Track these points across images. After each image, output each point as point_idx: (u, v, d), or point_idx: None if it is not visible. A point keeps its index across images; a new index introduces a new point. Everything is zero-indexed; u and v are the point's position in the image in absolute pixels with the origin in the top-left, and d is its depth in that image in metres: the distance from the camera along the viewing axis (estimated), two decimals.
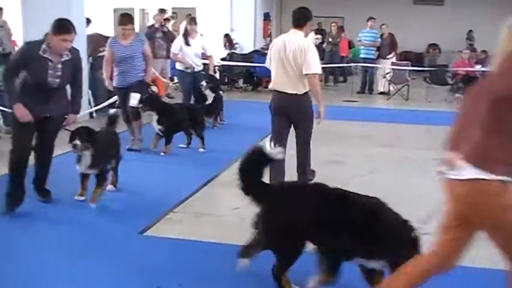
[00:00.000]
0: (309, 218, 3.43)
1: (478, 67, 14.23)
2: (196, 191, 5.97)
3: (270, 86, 5.92)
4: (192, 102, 9.31)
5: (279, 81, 5.73)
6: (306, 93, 5.71)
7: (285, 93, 5.66)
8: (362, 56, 14.59)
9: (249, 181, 3.55)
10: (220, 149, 7.82)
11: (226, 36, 16.33)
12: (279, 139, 5.46)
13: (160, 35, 12.15)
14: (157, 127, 7.53)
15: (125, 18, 7.44)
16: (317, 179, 5.89)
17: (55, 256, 4.26)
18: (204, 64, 9.80)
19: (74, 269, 4.03)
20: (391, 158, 7.66)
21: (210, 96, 9.08)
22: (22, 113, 4.94)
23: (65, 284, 3.83)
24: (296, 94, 5.65)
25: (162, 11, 13.58)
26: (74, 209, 5.29)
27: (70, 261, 4.15)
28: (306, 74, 5.55)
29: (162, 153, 7.49)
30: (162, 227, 4.96)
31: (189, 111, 7.94)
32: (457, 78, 14.12)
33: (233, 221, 5.07)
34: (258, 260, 3.73)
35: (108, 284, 3.84)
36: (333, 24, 16.50)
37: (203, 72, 9.65)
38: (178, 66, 9.58)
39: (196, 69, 9.36)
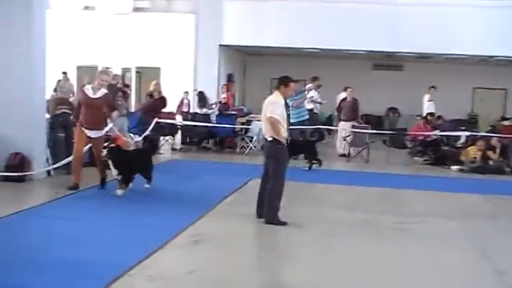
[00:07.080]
0: None
1: (436, 131, 14.56)
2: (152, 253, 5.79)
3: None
4: None
5: None
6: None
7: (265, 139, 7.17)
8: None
9: None
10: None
11: (200, 93, 16.33)
12: (264, 174, 7.14)
13: (120, 94, 12.24)
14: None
15: None
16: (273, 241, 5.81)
17: None
18: None
19: None
20: (349, 221, 7.60)
21: None
22: None
23: None
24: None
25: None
26: None
27: None
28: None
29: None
30: None
31: None
32: (415, 141, 14.42)
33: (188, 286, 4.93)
34: None
35: None
36: None
37: None
38: None
39: None
